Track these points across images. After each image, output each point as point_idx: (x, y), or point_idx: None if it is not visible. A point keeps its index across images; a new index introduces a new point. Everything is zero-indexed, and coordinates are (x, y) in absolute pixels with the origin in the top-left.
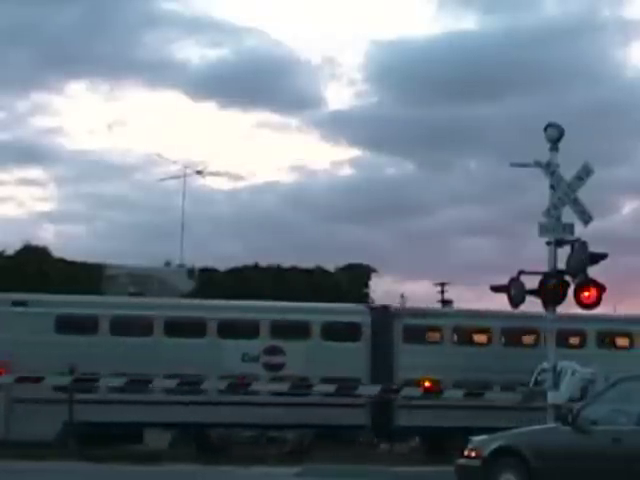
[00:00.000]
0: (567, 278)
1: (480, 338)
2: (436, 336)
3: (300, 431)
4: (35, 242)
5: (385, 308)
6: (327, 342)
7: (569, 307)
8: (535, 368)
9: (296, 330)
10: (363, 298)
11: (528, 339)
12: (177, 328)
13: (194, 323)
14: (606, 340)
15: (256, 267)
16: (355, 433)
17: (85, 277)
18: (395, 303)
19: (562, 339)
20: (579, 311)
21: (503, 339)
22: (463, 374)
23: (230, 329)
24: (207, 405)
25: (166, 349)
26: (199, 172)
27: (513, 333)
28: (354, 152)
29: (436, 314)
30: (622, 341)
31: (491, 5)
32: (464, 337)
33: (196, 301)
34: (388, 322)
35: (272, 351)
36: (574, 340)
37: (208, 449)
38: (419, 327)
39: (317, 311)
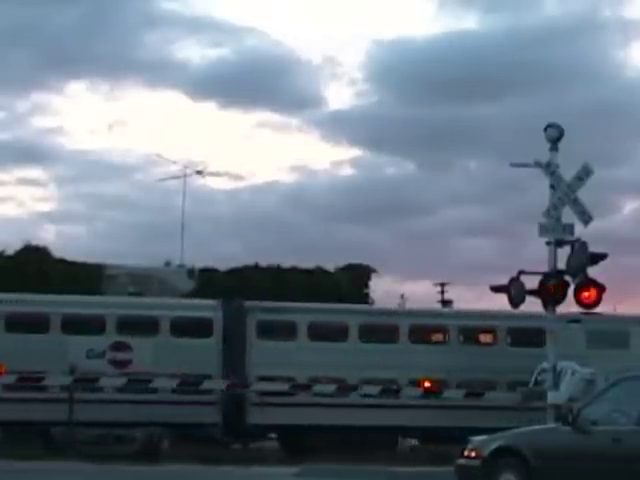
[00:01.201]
0: (567, 278)
1: (335, 335)
2: (291, 332)
3: (149, 429)
4: (35, 242)
5: (237, 303)
6: (176, 338)
7: (569, 307)
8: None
9: (144, 326)
10: (363, 298)
11: (383, 336)
12: (19, 323)
13: (37, 318)
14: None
15: (256, 267)
16: (208, 431)
17: (85, 277)
18: (396, 303)
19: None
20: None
21: (358, 336)
22: (315, 371)
23: (75, 324)
24: (50, 402)
25: (8, 345)
26: (199, 172)
27: (370, 328)
28: (354, 152)
29: (291, 310)
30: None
31: (492, 5)
32: (319, 334)
33: (39, 296)
34: (241, 318)
35: (118, 347)
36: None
37: (52, 447)
38: (273, 323)
39: (166, 306)
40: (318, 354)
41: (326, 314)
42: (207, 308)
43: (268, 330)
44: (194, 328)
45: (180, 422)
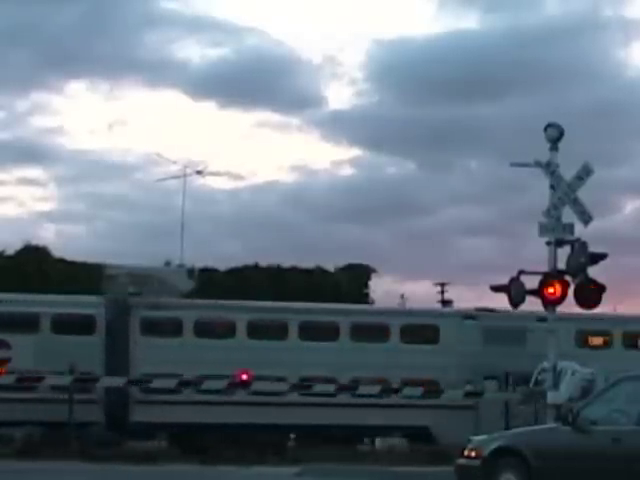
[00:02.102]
0: (567, 278)
1: (223, 332)
2: (177, 329)
3: (28, 429)
4: (35, 242)
5: (121, 300)
6: (58, 335)
7: (569, 307)
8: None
9: (24, 323)
10: (363, 298)
11: (272, 333)
12: None
13: None
14: None
15: (256, 267)
16: (91, 431)
17: (85, 277)
18: (396, 303)
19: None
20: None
21: (247, 332)
22: (203, 369)
23: None
24: None
25: None
26: (199, 172)
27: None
28: (354, 152)
29: (175, 306)
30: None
31: (492, 4)
32: (206, 330)
33: None
34: (124, 314)
35: None
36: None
37: None
38: (157, 320)
39: (47, 303)
40: (204, 351)
41: (213, 310)
42: (89, 305)
43: (152, 327)
44: (76, 325)
45: (61, 421)
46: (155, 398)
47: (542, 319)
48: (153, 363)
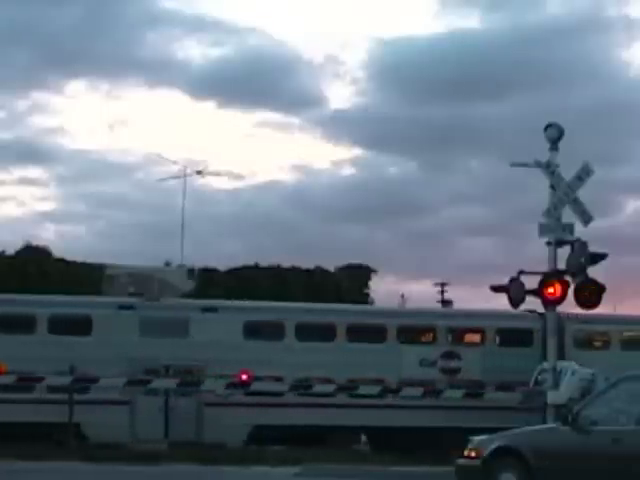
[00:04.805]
0: (567, 278)
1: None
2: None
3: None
4: (36, 242)
5: None
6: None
7: (570, 307)
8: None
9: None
10: (363, 298)
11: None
12: None
13: None
14: None
15: (256, 267)
16: None
17: (85, 277)
18: (395, 303)
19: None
20: None
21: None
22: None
23: None
24: None
25: None
26: (199, 172)
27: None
28: (355, 151)
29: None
30: None
31: (494, 4)
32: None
33: None
34: None
35: None
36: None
37: None
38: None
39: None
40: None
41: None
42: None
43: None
44: None
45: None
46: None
47: (207, 309)
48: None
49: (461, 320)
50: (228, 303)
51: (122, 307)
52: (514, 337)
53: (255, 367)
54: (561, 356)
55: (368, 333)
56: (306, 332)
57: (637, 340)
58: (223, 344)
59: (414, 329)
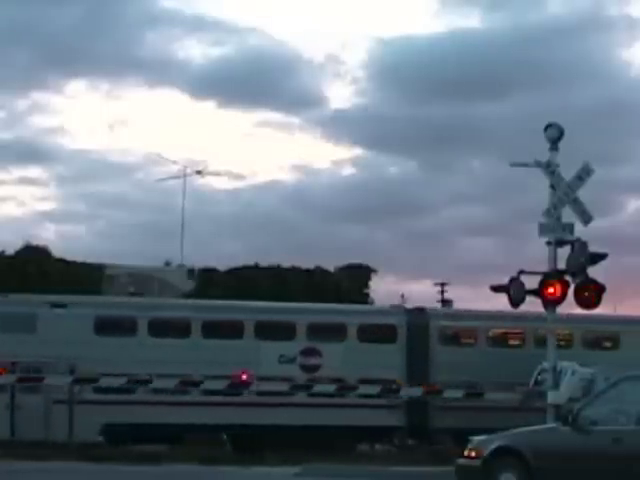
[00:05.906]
0: (567, 278)
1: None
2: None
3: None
4: (36, 242)
5: None
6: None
7: (569, 307)
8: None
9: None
10: (363, 298)
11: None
12: None
13: None
14: None
15: (256, 267)
16: None
17: (85, 277)
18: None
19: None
20: None
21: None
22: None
23: None
24: None
25: None
26: (199, 172)
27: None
28: (356, 151)
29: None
30: None
31: (495, 3)
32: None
33: None
34: None
35: None
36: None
37: None
38: None
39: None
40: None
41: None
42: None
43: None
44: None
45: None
46: None
47: (56, 305)
48: None
49: (322, 316)
50: (78, 298)
51: None
52: (377, 333)
53: (106, 364)
54: (425, 353)
55: (225, 329)
56: (160, 328)
57: (504, 337)
58: (72, 340)
59: (273, 325)
